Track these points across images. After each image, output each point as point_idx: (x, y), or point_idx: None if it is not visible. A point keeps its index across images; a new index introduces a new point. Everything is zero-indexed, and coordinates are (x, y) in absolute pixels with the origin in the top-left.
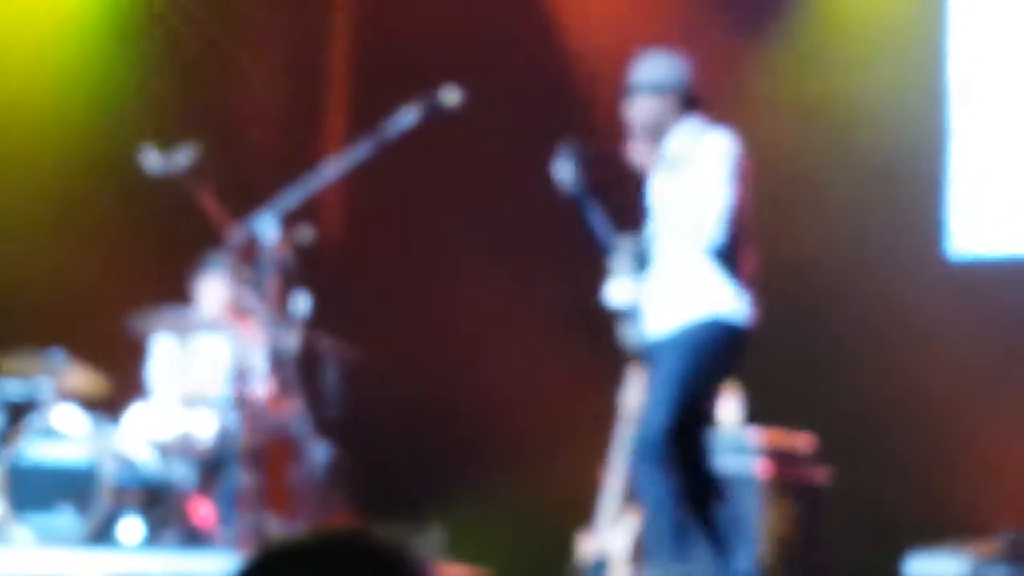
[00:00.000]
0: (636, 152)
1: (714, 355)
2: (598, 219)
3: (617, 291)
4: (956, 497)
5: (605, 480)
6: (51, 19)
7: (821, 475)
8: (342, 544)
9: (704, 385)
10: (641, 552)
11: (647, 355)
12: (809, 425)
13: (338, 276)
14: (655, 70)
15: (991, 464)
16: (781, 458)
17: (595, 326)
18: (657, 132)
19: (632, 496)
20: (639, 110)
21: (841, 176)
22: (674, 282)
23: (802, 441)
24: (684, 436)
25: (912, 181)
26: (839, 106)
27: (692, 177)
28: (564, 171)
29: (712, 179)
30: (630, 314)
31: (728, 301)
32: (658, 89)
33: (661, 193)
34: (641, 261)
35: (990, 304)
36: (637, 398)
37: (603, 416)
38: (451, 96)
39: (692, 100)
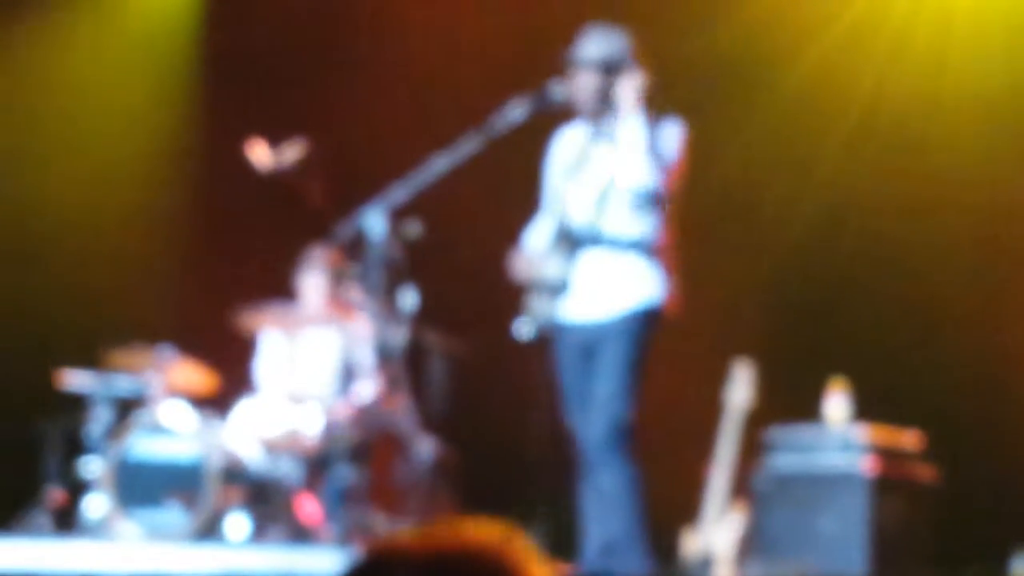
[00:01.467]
0: (577, 89)
1: (651, 342)
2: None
3: (545, 267)
4: None
5: (710, 477)
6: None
7: (929, 473)
8: (452, 537)
9: (643, 373)
10: (747, 549)
11: (567, 336)
12: (917, 422)
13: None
14: (602, 45)
15: None
16: (888, 455)
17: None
18: (601, 109)
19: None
20: (583, 86)
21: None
22: (614, 266)
23: (910, 438)
24: None
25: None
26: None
27: (642, 158)
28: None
29: (665, 148)
30: (550, 290)
31: (660, 288)
32: (604, 65)
33: (602, 170)
34: (568, 238)
35: None
36: (743, 395)
37: (708, 412)
38: (561, 90)
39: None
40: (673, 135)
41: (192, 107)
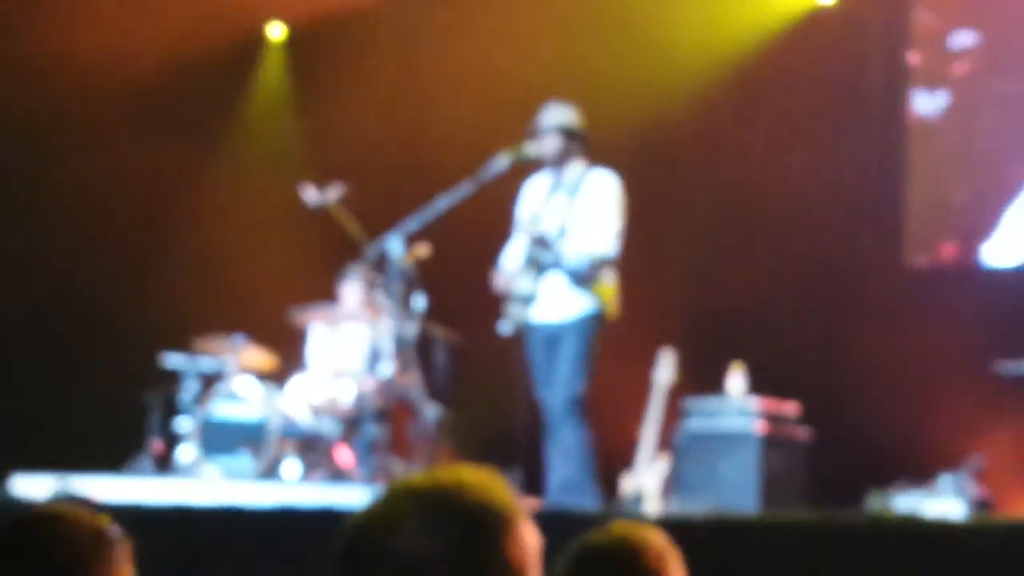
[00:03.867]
0: (545, 147)
1: (598, 337)
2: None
3: (518, 282)
4: (906, 449)
5: (642, 435)
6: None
7: (804, 433)
8: (450, 475)
9: (593, 359)
10: (669, 489)
11: (535, 333)
12: (796, 395)
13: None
14: (560, 115)
15: (933, 426)
16: (774, 420)
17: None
18: (558, 161)
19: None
20: (548, 145)
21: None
22: (570, 282)
23: (790, 407)
24: None
25: (876, 202)
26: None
27: (591, 209)
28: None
29: (610, 214)
30: (523, 300)
31: (607, 299)
32: (563, 130)
33: (560, 213)
34: (533, 260)
35: (936, 304)
36: (667, 374)
37: (641, 388)
38: (534, 149)
39: (582, 140)
40: (600, 184)
41: (268, 158)
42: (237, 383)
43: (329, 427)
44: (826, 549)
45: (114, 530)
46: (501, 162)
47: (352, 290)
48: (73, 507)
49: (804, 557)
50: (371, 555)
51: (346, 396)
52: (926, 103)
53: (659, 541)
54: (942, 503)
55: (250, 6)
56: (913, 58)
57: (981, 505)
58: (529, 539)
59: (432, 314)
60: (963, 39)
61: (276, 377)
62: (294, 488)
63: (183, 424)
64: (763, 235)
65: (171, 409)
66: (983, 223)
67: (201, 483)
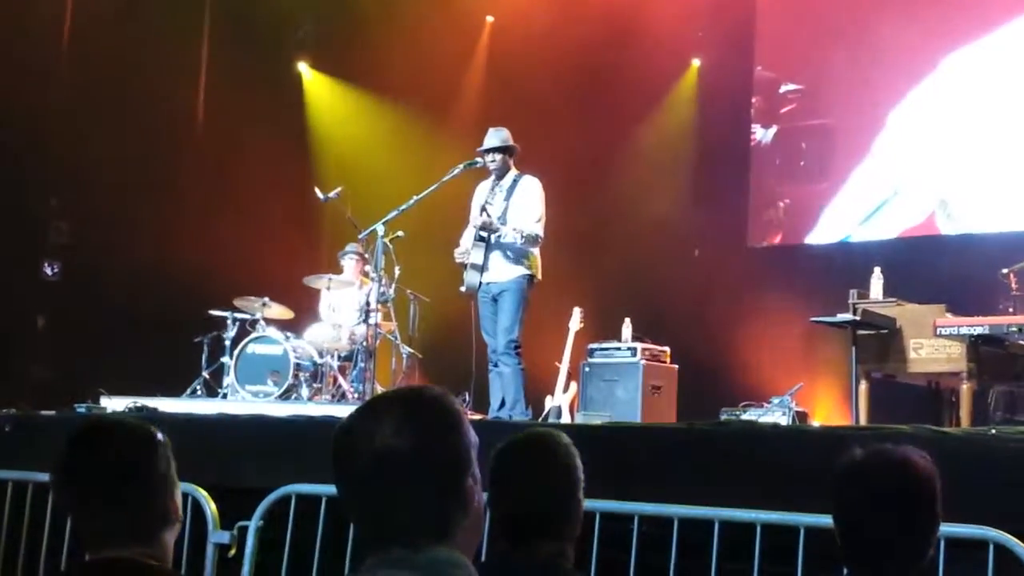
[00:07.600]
0: (488, 159)
1: (529, 295)
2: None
3: (471, 255)
4: (749, 379)
5: (560, 366)
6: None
7: (672, 368)
8: (415, 391)
9: (525, 311)
10: (578, 406)
11: (483, 291)
12: (666, 340)
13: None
14: (499, 136)
15: (767, 363)
16: (652, 357)
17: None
18: (501, 171)
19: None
20: (493, 158)
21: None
22: (508, 254)
23: (662, 348)
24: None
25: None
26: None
27: (522, 203)
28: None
29: (535, 206)
30: (476, 268)
31: (534, 267)
32: (502, 148)
33: (500, 206)
34: (482, 240)
35: (769, 274)
36: (577, 324)
37: (560, 334)
38: (480, 160)
39: (514, 153)
40: (528, 187)
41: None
42: (264, 330)
43: (332, 362)
44: (691, 447)
45: (158, 433)
46: (457, 169)
47: (349, 262)
48: (128, 416)
49: (674, 453)
50: (354, 450)
51: (345, 339)
52: (762, 134)
53: (563, 438)
54: (772, 418)
55: None
56: (755, 102)
57: (799, 416)
58: (470, 438)
59: (407, 278)
60: (788, 88)
61: (292, 325)
62: (306, 406)
63: (227, 359)
64: (662, 227)
65: (218, 349)
66: (802, 216)
67: (239, 402)
